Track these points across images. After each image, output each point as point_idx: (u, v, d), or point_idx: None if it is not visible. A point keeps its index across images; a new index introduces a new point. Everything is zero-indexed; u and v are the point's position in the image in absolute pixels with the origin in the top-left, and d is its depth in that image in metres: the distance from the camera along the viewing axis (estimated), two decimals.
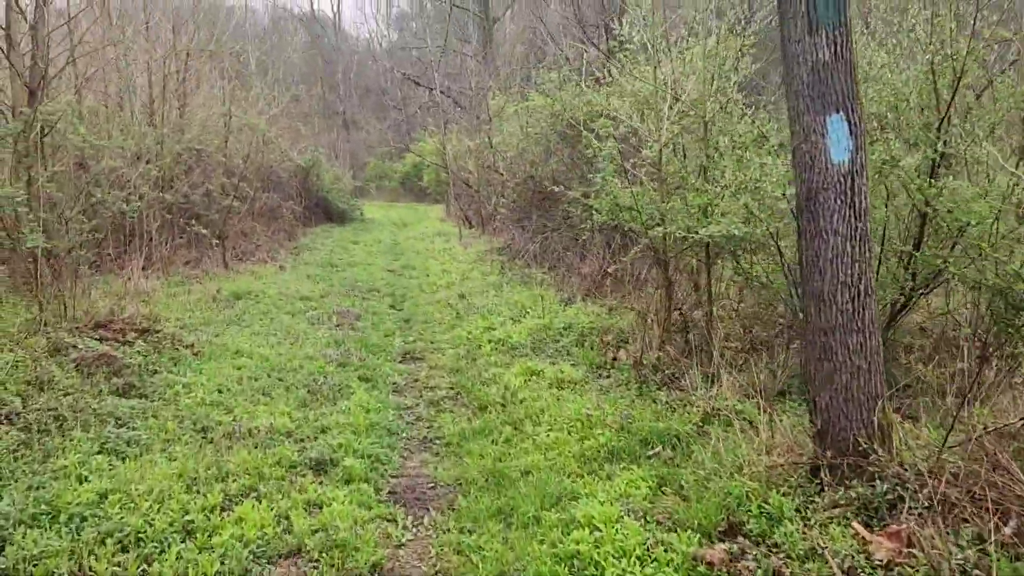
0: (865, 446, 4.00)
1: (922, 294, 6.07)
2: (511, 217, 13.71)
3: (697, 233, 6.07)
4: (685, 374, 6.63)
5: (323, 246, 18.44)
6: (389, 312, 10.82)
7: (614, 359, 7.35)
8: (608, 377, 6.87)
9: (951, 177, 5.70)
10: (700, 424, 5.52)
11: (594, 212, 7.49)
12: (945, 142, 5.70)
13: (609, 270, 10.55)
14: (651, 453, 5.15)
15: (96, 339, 7.45)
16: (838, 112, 3.97)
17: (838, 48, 3.96)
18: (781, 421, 5.03)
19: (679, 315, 7.32)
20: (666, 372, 6.75)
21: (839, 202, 4.00)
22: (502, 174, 18.00)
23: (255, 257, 14.95)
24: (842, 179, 4.00)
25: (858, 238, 4.02)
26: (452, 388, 7.04)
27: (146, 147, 12.65)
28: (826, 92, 3.98)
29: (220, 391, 6.63)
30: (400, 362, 8.22)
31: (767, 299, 6.91)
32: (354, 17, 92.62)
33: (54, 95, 9.91)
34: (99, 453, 5.11)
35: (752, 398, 5.88)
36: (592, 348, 7.69)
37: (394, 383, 7.34)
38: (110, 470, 4.82)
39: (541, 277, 11.21)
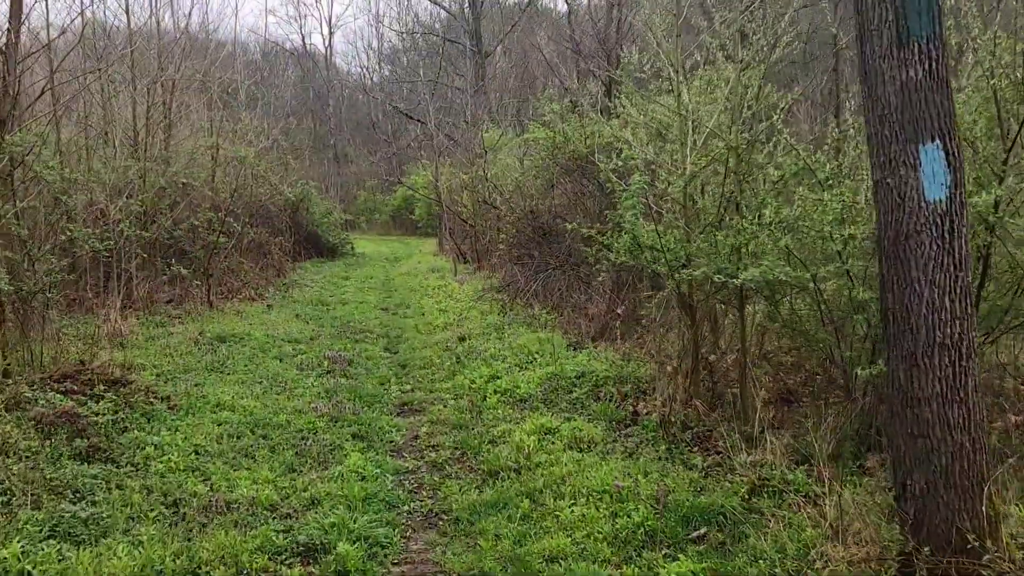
0: (973, 542, 3.27)
1: (986, 341, 5.39)
2: (510, 254, 13.03)
3: (735, 278, 5.37)
4: (718, 433, 5.90)
5: (313, 282, 17.69)
6: (384, 356, 10.05)
7: (635, 413, 6.62)
8: (632, 436, 6.11)
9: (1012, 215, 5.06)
10: (747, 498, 4.77)
11: (610, 252, 6.80)
12: (1010, 176, 5.06)
13: (619, 311, 9.84)
14: (696, 535, 4.40)
15: (61, 392, 6.65)
16: (933, 140, 3.30)
17: (933, 64, 3.30)
18: (844, 497, 4.30)
19: (707, 365, 6.60)
20: (696, 430, 6.02)
21: (935, 248, 3.32)
22: (499, 208, 17.35)
23: (242, 295, 14.16)
24: (939, 220, 3.32)
25: (959, 290, 3.33)
26: (457, 448, 6.27)
27: (127, 180, 11.93)
28: (919, 116, 3.31)
29: (197, 452, 5.85)
30: (398, 415, 7.45)
31: (804, 347, 6.21)
32: (345, 51, 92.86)
33: (28, 126, 9.18)
34: (50, 537, 4.32)
35: (801, 464, 5.15)
36: (610, 401, 6.95)
37: (392, 442, 6.56)
38: (59, 562, 4.02)
39: (545, 318, 10.49)
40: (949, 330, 3.32)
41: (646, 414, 6.55)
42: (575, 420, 6.47)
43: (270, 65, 55.17)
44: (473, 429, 6.65)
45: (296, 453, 5.98)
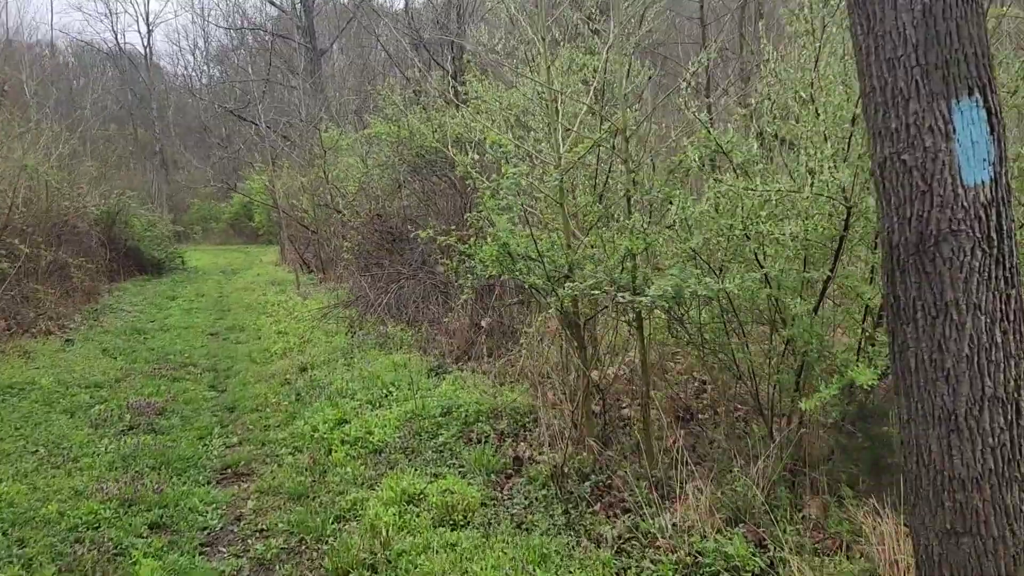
0: None
1: None
2: (357, 263, 11.41)
3: (639, 294, 4.15)
4: (620, 479, 4.69)
5: (132, 305, 15.24)
6: (207, 398, 8.22)
7: (517, 460, 5.30)
8: (517, 494, 4.78)
9: None
10: None
11: (476, 263, 5.43)
12: None
13: (483, 324, 8.51)
14: None
15: None
16: (971, 94, 2.15)
17: None
18: None
19: (596, 391, 5.38)
20: (595, 479, 4.78)
21: (980, 255, 2.18)
22: (342, 213, 15.63)
23: (36, 328, 11.71)
24: (982, 213, 2.18)
25: (1013, 315, 2.21)
26: (293, 531, 4.70)
27: None
28: (951, 58, 2.15)
29: None
30: (218, 483, 5.75)
31: (714, 366, 5.11)
32: (170, 52, 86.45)
33: None
34: None
35: (735, 524, 4.01)
36: (485, 443, 5.59)
37: (205, 528, 4.89)
38: None
39: (400, 337, 9.00)
40: (1003, 376, 2.20)
41: (530, 460, 5.25)
42: (445, 477, 5.05)
43: (84, 67, 50.09)
44: (315, 500, 5.10)
45: (60, 569, 4.22)
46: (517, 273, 5.15)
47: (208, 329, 12.41)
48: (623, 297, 4.05)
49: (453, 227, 7.69)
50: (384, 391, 7.02)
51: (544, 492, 4.66)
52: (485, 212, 5.50)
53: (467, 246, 5.59)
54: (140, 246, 20.70)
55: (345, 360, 8.62)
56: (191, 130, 44.81)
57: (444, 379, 7.15)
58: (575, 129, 5.16)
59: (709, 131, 3.94)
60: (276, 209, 18.99)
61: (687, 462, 4.74)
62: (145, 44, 46.67)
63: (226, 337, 11.59)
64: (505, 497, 4.81)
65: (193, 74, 48.65)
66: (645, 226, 4.26)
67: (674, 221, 4.16)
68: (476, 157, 7.60)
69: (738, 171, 4.00)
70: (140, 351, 10.57)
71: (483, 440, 5.69)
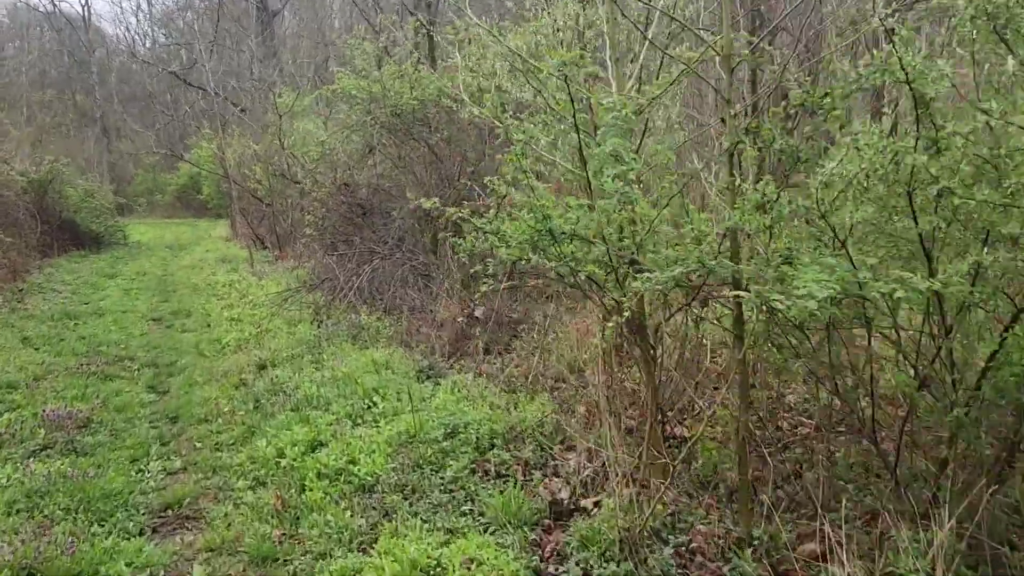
0: None
1: None
2: (320, 240, 9.85)
3: (741, 287, 2.80)
4: (715, 543, 3.38)
5: (64, 284, 13.39)
6: (145, 403, 6.67)
7: (555, 505, 3.94)
8: (574, 567, 3.42)
9: None
10: None
11: (498, 244, 4.01)
12: None
13: (477, 314, 7.10)
14: None
15: None
16: None
17: None
18: None
19: (663, 417, 4.04)
20: (675, 541, 3.45)
21: None
22: (301, 183, 13.96)
23: None
24: None
25: None
26: None
27: None
28: None
29: None
30: (153, 533, 4.28)
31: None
32: (111, 14, 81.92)
33: None
34: None
35: None
36: (508, 480, 4.22)
37: None
38: None
39: (376, 328, 7.53)
40: None
41: (574, 507, 3.89)
42: (465, 535, 3.67)
43: (18, 28, 46.57)
44: (287, 565, 3.68)
45: None
46: (559, 258, 3.75)
47: (150, 314, 10.73)
48: (754, 295, 2.68)
49: (437, 200, 6.32)
50: (366, 400, 5.57)
51: (614, 568, 3.30)
52: (510, 175, 4.09)
53: (485, 221, 4.16)
54: (76, 218, 18.64)
55: (312, 356, 7.13)
56: (135, 98, 41.96)
57: (439, 385, 5.74)
58: (638, 62, 3.75)
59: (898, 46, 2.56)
60: (227, 179, 17.17)
61: (800, 516, 3.46)
62: (83, 3, 43.44)
63: (170, 324, 9.95)
64: (553, 566, 3.45)
65: (136, 37, 45.61)
66: (774, 192, 2.90)
67: (819, 188, 2.80)
68: (475, 112, 6.17)
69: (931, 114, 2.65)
70: (68, 340, 8.89)
71: (504, 474, 4.32)
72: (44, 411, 6.01)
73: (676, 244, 3.47)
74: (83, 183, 19.68)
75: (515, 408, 5.07)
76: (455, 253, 7.76)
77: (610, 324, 3.22)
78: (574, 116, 3.10)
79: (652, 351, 3.63)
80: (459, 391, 5.52)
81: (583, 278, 3.72)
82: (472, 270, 4.17)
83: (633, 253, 3.56)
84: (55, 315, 10.36)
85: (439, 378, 5.99)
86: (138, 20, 48.85)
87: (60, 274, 14.59)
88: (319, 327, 8.08)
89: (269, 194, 14.95)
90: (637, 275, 3.32)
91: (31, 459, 5.22)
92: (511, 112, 5.99)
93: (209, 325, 9.57)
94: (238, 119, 21.59)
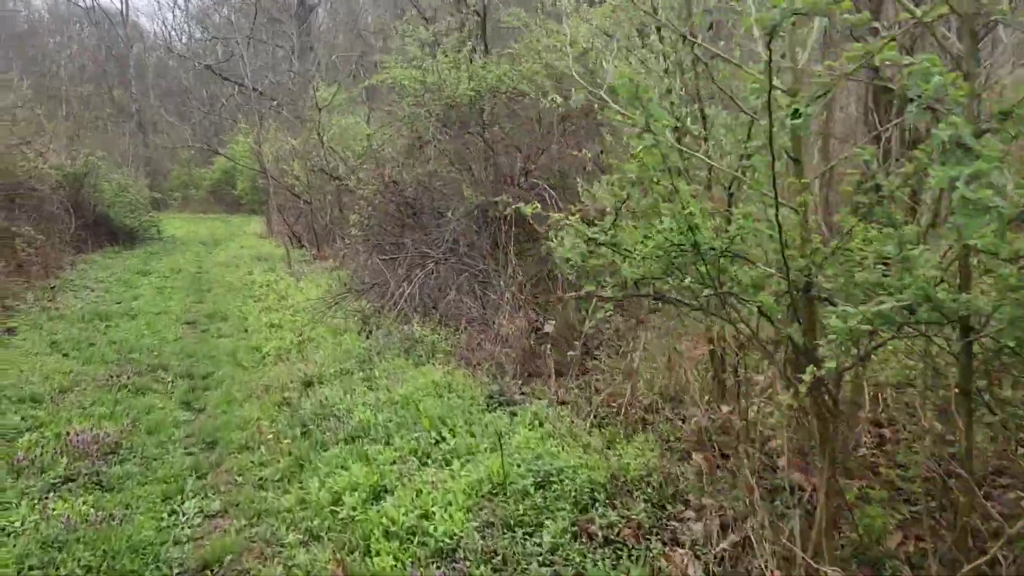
0: None
1: None
2: (365, 240, 9.07)
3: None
4: None
5: (97, 282, 12.77)
6: (179, 422, 5.93)
7: None
8: None
9: None
10: None
11: (618, 259, 3.18)
12: None
13: (547, 328, 6.27)
14: None
15: None
16: None
17: None
18: None
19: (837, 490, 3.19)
20: None
21: None
22: (339, 179, 13.24)
23: None
24: None
25: None
26: None
27: None
28: None
29: None
30: None
31: None
32: (148, 11, 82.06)
33: None
34: None
35: None
36: (620, 547, 3.39)
37: None
38: None
39: (432, 341, 6.73)
40: None
41: None
42: None
43: (59, 24, 46.54)
44: None
45: None
46: (708, 281, 2.91)
47: (183, 316, 10.04)
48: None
49: (501, 198, 5.56)
50: (433, 433, 4.76)
51: None
52: (635, 173, 3.24)
53: (597, 230, 3.33)
54: (111, 213, 18.09)
55: (364, 373, 6.34)
56: (171, 93, 41.68)
57: (515, 417, 4.91)
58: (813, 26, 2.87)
59: None
60: (264, 175, 16.50)
61: None
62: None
63: (205, 328, 9.23)
64: None
65: (172, 32, 45.34)
66: None
67: None
68: (558, 100, 5.34)
69: None
70: (99, 346, 8.20)
71: (613, 540, 3.49)
72: (69, 435, 5.28)
73: (871, 265, 2.61)
74: (118, 177, 19.15)
75: (612, 450, 4.24)
76: (519, 258, 6.95)
77: (805, 378, 2.37)
78: (769, 92, 2.25)
79: (832, 402, 2.78)
80: (539, 425, 4.69)
81: (735, 307, 2.86)
82: (581, 290, 3.32)
83: (809, 276, 2.70)
84: (86, 316, 9.69)
85: (512, 406, 5.17)
86: (175, 16, 48.55)
87: (94, 270, 14.00)
88: (367, 338, 7.30)
89: (307, 190, 14.23)
90: (827, 307, 2.46)
91: (51, 494, 4.50)
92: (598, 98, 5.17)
93: (247, 330, 8.85)
94: (274, 114, 20.95)
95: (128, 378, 6.99)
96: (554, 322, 6.25)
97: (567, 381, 5.70)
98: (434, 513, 3.76)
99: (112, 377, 6.92)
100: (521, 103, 8.24)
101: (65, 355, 7.85)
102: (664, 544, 3.43)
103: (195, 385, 6.90)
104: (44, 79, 36.18)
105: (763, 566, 3.01)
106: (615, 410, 4.88)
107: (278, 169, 15.97)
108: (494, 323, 6.70)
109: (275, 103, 20.12)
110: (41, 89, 34.42)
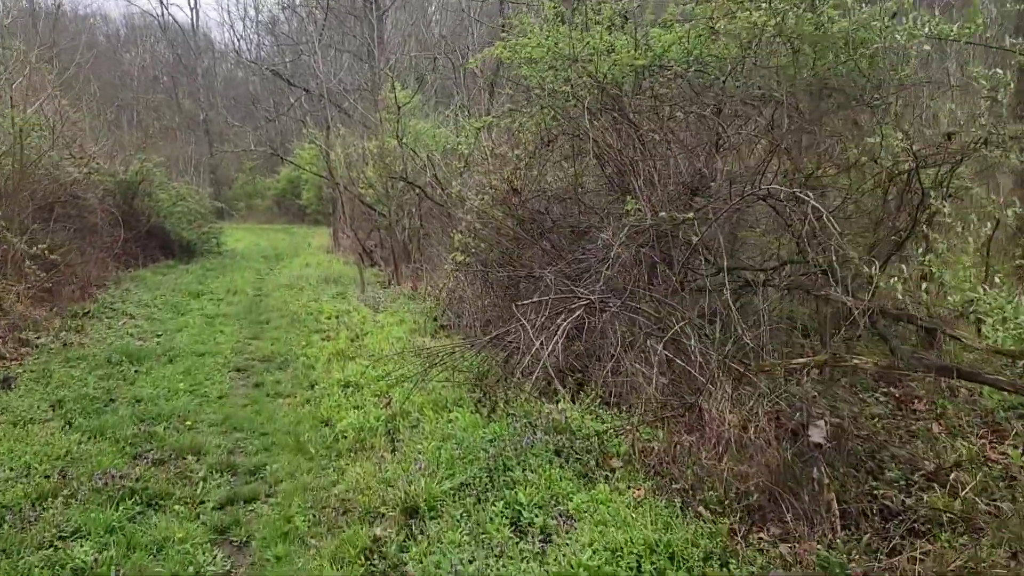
0: None
1: None
2: (475, 267, 6.55)
3: None
4: None
5: (139, 306, 10.61)
6: (206, 568, 3.50)
7: None
8: None
9: None
10: None
11: None
12: None
13: (817, 438, 3.63)
14: None
15: None
16: None
17: None
18: None
19: None
20: None
21: None
22: (420, 188, 10.86)
23: None
24: None
25: None
26: None
27: None
28: None
29: None
30: None
31: None
32: (218, 21, 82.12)
33: None
34: None
35: None
36: None
37: None
38: None
39: (595, 432, 4.19)
40: None
41: None
42: None
43: (135, 36, 45.93)
44: None
45: None
46: None
47: (233, 358, 7.69)
48: None
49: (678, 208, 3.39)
50: None
51: None
52: None
53: None
54: (166, 224, 16.10)
55: (498, 493, 3.81)
56: (239, 103, 40.36)
57: None
58: None
59: None
60: (333, 183, 14.24)
61: None
62: (192, 7, 42.40)
63: (259, 381, 6.83)
64: None
65: (242, 42, 44.16)
66: None
67: None
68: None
69: None
70: (117, 409, 5.89)
71: None
72: None
73: None
74: (176, 185, 17.17)
75: None
76: (736, 304, 4.40)
77: None
78: None
79: None
80: None
81: None
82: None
83: None
84: (113, 357, 7.42)
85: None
86: (244, 26, 47.54)
87: (139, 290, 11.88)
88: (490, 417, 4.78)
89: (384, 201, 11.86)
90: None
91: None
92: None
93: (313, 386, 6.43)
94: (344, 119, 18.83)
95: (142, 471, 4.60)
96: (826, 422, 3.63)
97: (860, 537, 3.06)
98: None
99: (112, 480, 4.49)
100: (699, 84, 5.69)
101: (68, 424, 5.54)
102: None
103: (236, 492, 4.46)
104: (116, 90, 35.11)
105: None
106: None
107: (349, 177, 13.68)
108: (701, 409, 4.10)
109: (344, 106, 17.96)
110: (111, 100, 33.32)
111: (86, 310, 9.82)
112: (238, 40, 44.78)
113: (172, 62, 40.94)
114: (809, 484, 3.47)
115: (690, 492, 3.65)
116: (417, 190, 10.99)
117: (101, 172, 13.61)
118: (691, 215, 4.69)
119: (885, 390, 5.12)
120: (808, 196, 4.01)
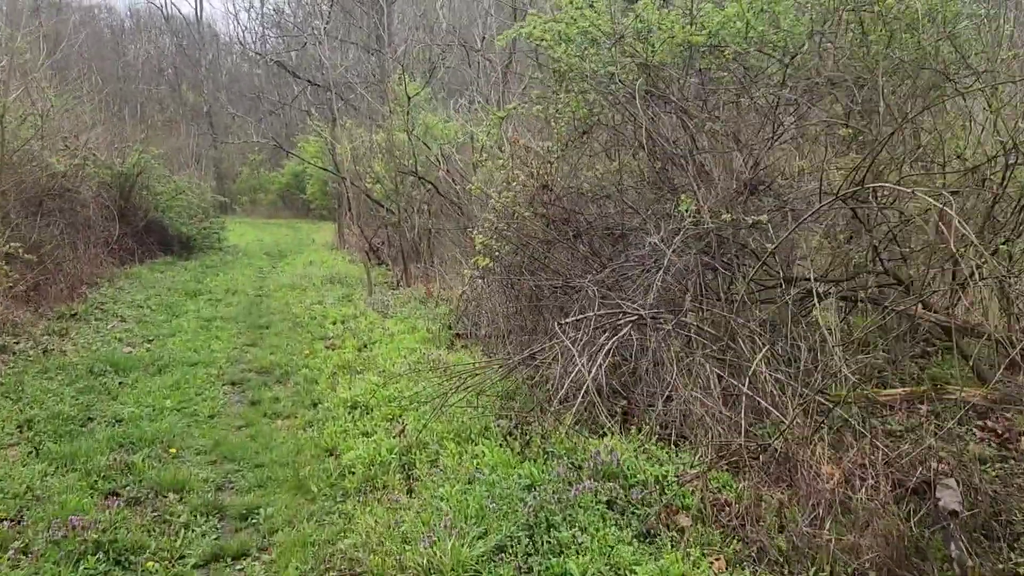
0: None
1: None
2: (504, 274, 5.78)
3: None
4: None
5: (131, 306, 9.87)
6: None
7: None
8: None
9: None
10: None
11: None
12: None
13: (950, 503, 2.87)
14: None
15: None
16: None
17: None
18: None
19: None
20: None
21: None
22: (431, 183, 10.11)
23: None
24: None
25: None
26: None
27: None
28: None
29: None
30: None
31: None
32: (222, 12, 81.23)
33: None
34: None
35: None
36: None
37: None
38: None
39: (654, 477, 3.46)
40: None
41: None
42: None
43: (140, 27, 45.14)
44: None
45: None
46: None
47: (228, 370, 6.95)
48: None
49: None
50: None
51: None
52: None
53: None
54: (164, 219, 15.36)
55: (541, 560, 3.07)
56: (244, 97, 39.59)
57: None
58: None
59: None
60: (340, 177, 13.49)
61: None
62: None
63: (256, 398, 6.08)
64: None
65: (246, 34, 43.34)
66: None
67: None
68: None
69: None
70: (92, 431, 5.16)
71: None
72: None
73: None
74: (175, 178, 16.43)
75: None
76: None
77: None
78: None
79: None
80: None
81: None
82: None
83: None
84: (95, 367, 6.69)
85: None
86: (249, 17, 46.81)
87: (133, 289, 11.14)
88: (522, 455, 4.02)
89: (393, 196, 11.09)
90: None
91: None
92: None
93: (315, 405, 5.69)
94: (351, 111, 18.06)
95: (113, 516, 3.85)
96: (959, 482, 2.88)
97: None
98: None
99: (81, 526, 3.73)
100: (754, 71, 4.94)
101: (35, 450, 4.81)
102: None
103: (223, 545, 3.70)
104: (120, 83, 34.37)
105: None
106: None
107: (355, 171, 12.92)
108: (791, 456, 3.34)
109: (352, 97, 17.20)
110: (115, 92, 32.55)
111: (73, 311, 9.08)
112: (243, 31, 43.96)
113: (176, 54, 40.21)
114: (941, 563, 2.72)
115: (784, 566, 2.90)
116: (429, 186, 10.24)
117: (96, 164, 12.89)
118: (764, 218, 3.93)
119: (979, 423, 4.37)
120: (939, 201, 3.24)
